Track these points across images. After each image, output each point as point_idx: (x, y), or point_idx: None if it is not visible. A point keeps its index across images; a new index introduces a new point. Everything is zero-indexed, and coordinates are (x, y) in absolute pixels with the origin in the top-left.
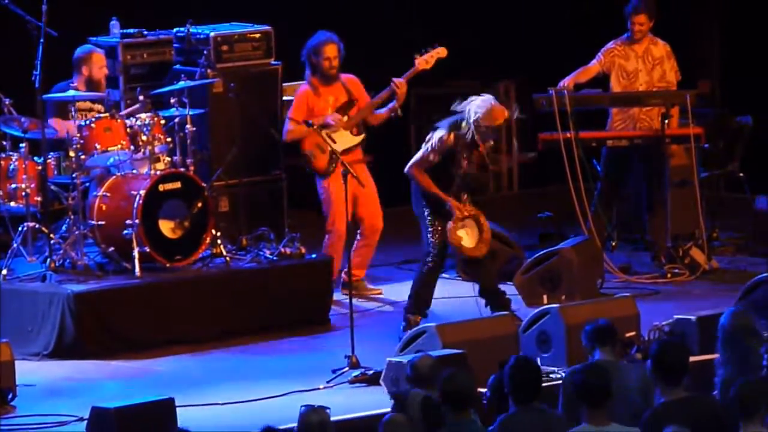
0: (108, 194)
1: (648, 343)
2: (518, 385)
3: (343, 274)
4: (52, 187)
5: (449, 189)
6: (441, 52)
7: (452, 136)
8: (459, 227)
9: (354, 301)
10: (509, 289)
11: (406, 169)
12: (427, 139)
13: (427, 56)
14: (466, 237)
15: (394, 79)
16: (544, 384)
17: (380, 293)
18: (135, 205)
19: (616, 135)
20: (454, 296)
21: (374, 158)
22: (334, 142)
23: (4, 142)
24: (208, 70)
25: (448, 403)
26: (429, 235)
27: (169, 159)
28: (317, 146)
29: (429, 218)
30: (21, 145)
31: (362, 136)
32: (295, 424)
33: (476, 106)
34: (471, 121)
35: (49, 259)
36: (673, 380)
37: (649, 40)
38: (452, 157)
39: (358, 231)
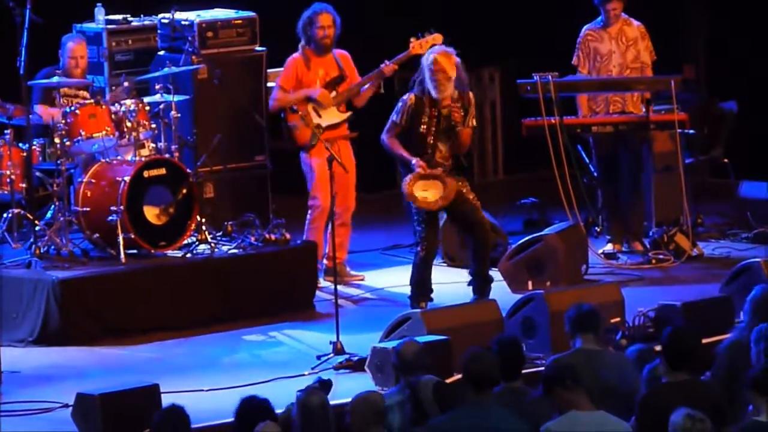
0: (93, 180)
1: (632, 329)
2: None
3: (325, 261)
4: (37, 173)
5: (422, 151)
6: (437, 38)
7: (412, 96)
8: (419, 186)
9: (339, 287)
10: (494, 275)
11: (380, 138)
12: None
13: (422, 41)
14: (423, 191)
15: (386, 62)
16: (529, 370)
17: (362, 279)
18: (120, 192)
19: (601, 121)
20: (441, 282)
21: (359, 138)
22: (320, 116)
23: None
24: (193, 57)
25: (470, 384)
26: (416, 223)
27: (153, 145)
28: (302, 118)
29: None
30: (6, 131)
31: (348, 113)
32: (282, 410)
33: (425, 56)
34: (423, 71)
35: (34, 246)
36: (678, 365)
37: (623, 21)
38: (419, 119)
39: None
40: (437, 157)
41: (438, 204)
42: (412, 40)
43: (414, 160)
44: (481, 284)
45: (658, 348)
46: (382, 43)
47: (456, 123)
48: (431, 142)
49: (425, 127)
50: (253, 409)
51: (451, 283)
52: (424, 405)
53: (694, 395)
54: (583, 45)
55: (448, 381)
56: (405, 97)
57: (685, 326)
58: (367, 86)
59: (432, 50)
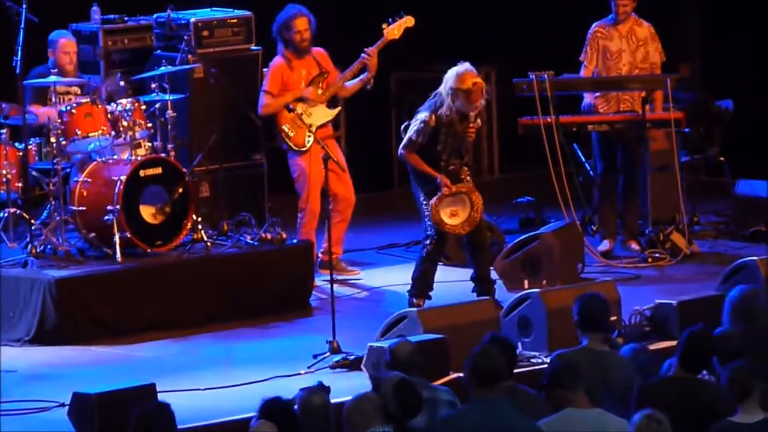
0: (89, 180)
1: (629, 327)
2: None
3: (320, 254)
4: (33, 173)
5: (438, 166)
6: (408, 21)
7: (433, 116)
8: (446, 204)
9: (335, 286)
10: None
11: (398, 153)
12: (406, 124)
13: (395, 26)
14: (452, 214)
15: (366, 49)
16: (525, 369)
17: (358, 273)
18: (116, 191)
19: (597, 120)
20: (438, 281)
21: (346, 135)
22: (310, 116)
23: None
24: (189, 56)
25: (475, 379)
26: (426, 219)
27: (149, 144)
28: (293, 121)
29: (425, 202)
30: (1, 131)
31: (338, 109)
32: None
33: (450, 74)
34: (446, 89)
35: (30, 245)
36: (693, 369)
37: (634, 20)
38: (437, 137)
39: (331, 208)
40: (449, 170)
41: (465, 229)
42: (384, 26)
43: (439, 179)
44: (484, 286)
45: (652, 347)
46: (376, 40)
47: (468, 145)
48: (445, 158)
49: (442, 145)
50: (274, 411)
51: (447, 282)
52: (385, 401)
53: (689, 392)
54: (593, 41)
55: (443, 380)
56: (425, 117)
57: (704, 329)
58: (355, 81)
59: (461, 70)
